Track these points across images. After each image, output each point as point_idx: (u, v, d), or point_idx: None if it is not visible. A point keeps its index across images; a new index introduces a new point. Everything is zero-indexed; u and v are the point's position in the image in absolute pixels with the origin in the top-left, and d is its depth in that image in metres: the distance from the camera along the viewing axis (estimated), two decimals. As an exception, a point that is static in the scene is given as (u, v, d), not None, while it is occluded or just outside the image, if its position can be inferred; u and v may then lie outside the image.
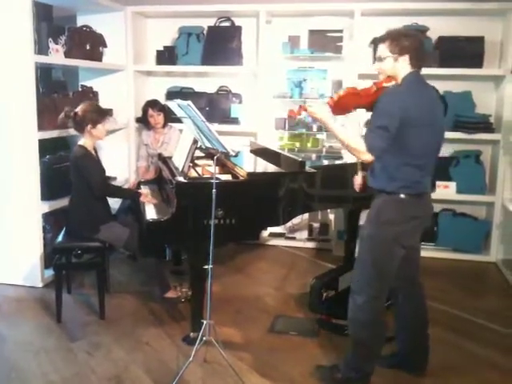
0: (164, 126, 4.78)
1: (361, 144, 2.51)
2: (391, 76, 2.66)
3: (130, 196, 3.92)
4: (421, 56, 2.65)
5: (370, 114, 2.61)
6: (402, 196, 2.59)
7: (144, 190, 3.97)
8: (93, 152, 3.69)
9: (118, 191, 3.94)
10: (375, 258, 2.64)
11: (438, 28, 4.91)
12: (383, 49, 2.65)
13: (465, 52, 4.76)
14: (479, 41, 4.79)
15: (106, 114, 3.72)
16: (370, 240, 2.67)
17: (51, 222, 4.29)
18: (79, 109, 3.64)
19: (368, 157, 2.53)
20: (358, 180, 3.01)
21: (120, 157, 5.29)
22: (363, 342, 2.75)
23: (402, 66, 2.62)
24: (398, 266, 2.68)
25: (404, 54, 2.60)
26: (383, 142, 2.50)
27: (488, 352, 3.22)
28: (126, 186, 4.58)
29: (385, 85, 2.65)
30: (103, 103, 4.70)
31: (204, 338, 2.83)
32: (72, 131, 4.30)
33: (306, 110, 2.69)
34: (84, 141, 3.65)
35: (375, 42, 2.66)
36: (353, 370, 2.78)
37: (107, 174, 3.92)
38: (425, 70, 4.94)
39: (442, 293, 4.11)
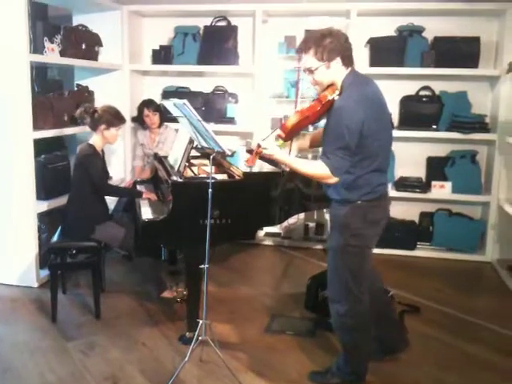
0: (160, 125, 4.79)
1: (325, 170, 2.44)
2: (330, 84, 2.52)
3: (133, 195, 3.90)
4: (350, 52, 2.51)
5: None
6: (366, 203, 2.54)
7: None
8: (100, 153, 3.70)
9: (120, 191, 3.99)
10: (352, 266, 2.61)
11: (433, 28, 4.92)
12: (310, 59, 2.47)
13: (460, 52, 4.76)
14: (475, 41, 4.80)
15: (123, 120, 3.75)
16: (342, 250, 2.61)
17: (46, 221, 4.28)
18: (100, 107, 3.71)
19: (334, 180, 2.47)
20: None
21: (116, 156, 5.29)
22: (354, 346, 2.75)
23: (336, 71, 2.48)
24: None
25: (334, 58, 2.45)
26: (346, 161, 2.44)
27: (484, 352, 3.22)
28: (122, 186, 4.57)
29: (329, 97, 2.49)
30: (99, 103, 4.68)
31: (200, 338, 2.82)
32: (67, 130, 4.32)
33: (260, 153, 2.55)
34: (94, 140, 3.68)
35: (297, 52, 2.51)
36: (347, 374, 2.78)
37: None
38: (421, 70, 4.99)
39: (437, 292, 4.12)
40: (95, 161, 3.60)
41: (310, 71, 2.51)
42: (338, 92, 2.50)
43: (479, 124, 4.80)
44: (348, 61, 2.49)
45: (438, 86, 5.04)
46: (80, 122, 3.88)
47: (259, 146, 2.54)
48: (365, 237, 2.58)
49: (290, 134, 2.59)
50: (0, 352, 3.13)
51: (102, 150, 3.78)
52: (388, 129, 2.61)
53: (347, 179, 2.51)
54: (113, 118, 3.67)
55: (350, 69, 2.52)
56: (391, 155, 4.72)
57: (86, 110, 3.67)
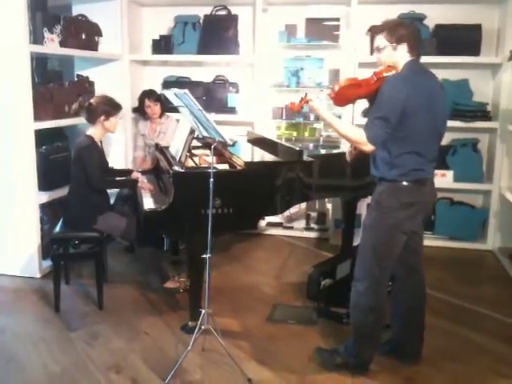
0: (161, 115, 4.78)
1: (361, 135, 2.54)
2: (391, 66, 2.67)
3: (127, 185, 3.89)
4: (418, 44, 2.68)
5: (367, 104, 2.64)
6: (403, 183, 2.61)
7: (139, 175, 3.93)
8: (99, 143, 3.68)
9: (114, 183, 3.92)
10: (376, 245, 2.67)
11: (435, 16, 4.90)
12: (381, 39, 2.66)
13: (462, 40, 4.74)
14: (476, 29, 4.78)
15: (119, 107, 3.72)
16: (370, 227, 2.70)
17: (48, 212, 4.28)
18: (94, 100, 3.67)
19: (369, 147, 2.56)
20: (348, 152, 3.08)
21: (117, 147, 5.27)
22: (364, 328, 2.76)
23: (400, 55, 2.64)
24: (399, 252, 2.71)
25: (402, 43, 2.62)
26: (384, 132, 2.53)
27: (486, 340, 3.24)
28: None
29: (385, 74, 2.65)
30: (99, 93, 4.67)
31: (202, 327, 2.83)
32: (68, 121, 4.31)
33: (307, 102, 2.71)
34: (93, 131, 3.66)
35: (372, 32, 2.72)
36: (352, 356, 2.81)
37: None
38: (422, 58, 4.95)
39: (438, 281, 4.13)
40: (92, 153, 3.57)
41: (378, 50, 2.68)
42: (394, 72, 2.66)
43: (481, 112, 4.79)
44: (414, 50, 2.65)
45: (439, 74, 4.89)
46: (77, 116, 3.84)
47: (307, 95, 2.72)
48: (394, 217, 2.62)
49: (338, 95, 2.69)
50: (3, 342, 3.15)
51: (100, 141, 3.76)
52: (434, 120, 2.63)
53: (385, 156, 2.62)
54: (109, 107, 3.65)
55: (413, 58, 2.65)
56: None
57: (81, 104, 3.65)
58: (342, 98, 2.73)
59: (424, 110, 2.56)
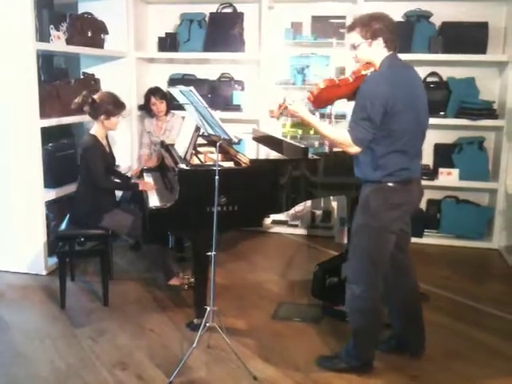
0: (166, 113, 4.78)
1: (346, 137, 2.50)
2: (369, 62, 2.61)
3: (129, 188, 3.90)
4: (395, 37, 2.60)
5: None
6: (389, 184, 2.58)
7: (146, 177, 3.97)
8: (103, 141, 3.69)
9: (116, 185, 3.88)
10: (369, 247, 2.64)
11: (441, 13, 4.88)
12: (355, 36, 2.59)
13: (468, 38, 4.71)
14: (483, 26, 4.75)
15: (122, 107, 3.69)
16: (361, 230, 2.66)
17: (54, 209, 4.29)
18: (97, 96, 3.64)
19: (355, 149, 2.53)
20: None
21: (123, 144, 5.28)
22: (363, 330, 2.76)
23: (377, 51, 2.58)
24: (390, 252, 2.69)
25: (377, 38, 2.55)
26: (369, 133, 2.49)
27: (491, 338, 3.22)
28: (128, 174, 4.57)
29: (363, 72, 2.59)
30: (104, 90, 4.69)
31: (208, 324, 2.84)
32: (74, 118, 4.32)
33: (286, 108, 2.65)
34: (95, 129, 3.65)
35: (347, 30, 2.68)
36: (354, 358, 2.80)
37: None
38: (428, 56, 4.95)
39: (444, 280, 4.12)
40: (95, 155, 3.55)
41: (354, 47, 2.62)
42: (372, 70, 2.59)
43: (487, 110, 4.77)
44: (391, 44, 2.58)
45: (445, 72, 5.01)
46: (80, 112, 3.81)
47: (285, 100, 2.64)
48: (383, 219, 2.60)
49: (318, 98, 2.63)
50: (10, 338, 3.17)
51: (107, 136, 3.76)
52: (418, 116, 2.59)
53: (370, 157, 2.58)
54: (112, 107, 3.61)
55: (391, 52, 2.59)
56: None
57: (84, 99, 3.61)
58: (322, 100, 2.68)
59: (407, 107, 2.51)
